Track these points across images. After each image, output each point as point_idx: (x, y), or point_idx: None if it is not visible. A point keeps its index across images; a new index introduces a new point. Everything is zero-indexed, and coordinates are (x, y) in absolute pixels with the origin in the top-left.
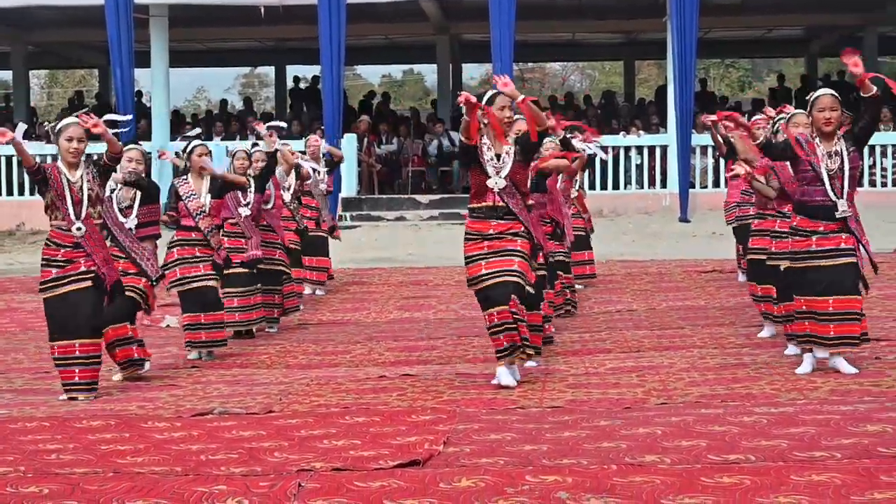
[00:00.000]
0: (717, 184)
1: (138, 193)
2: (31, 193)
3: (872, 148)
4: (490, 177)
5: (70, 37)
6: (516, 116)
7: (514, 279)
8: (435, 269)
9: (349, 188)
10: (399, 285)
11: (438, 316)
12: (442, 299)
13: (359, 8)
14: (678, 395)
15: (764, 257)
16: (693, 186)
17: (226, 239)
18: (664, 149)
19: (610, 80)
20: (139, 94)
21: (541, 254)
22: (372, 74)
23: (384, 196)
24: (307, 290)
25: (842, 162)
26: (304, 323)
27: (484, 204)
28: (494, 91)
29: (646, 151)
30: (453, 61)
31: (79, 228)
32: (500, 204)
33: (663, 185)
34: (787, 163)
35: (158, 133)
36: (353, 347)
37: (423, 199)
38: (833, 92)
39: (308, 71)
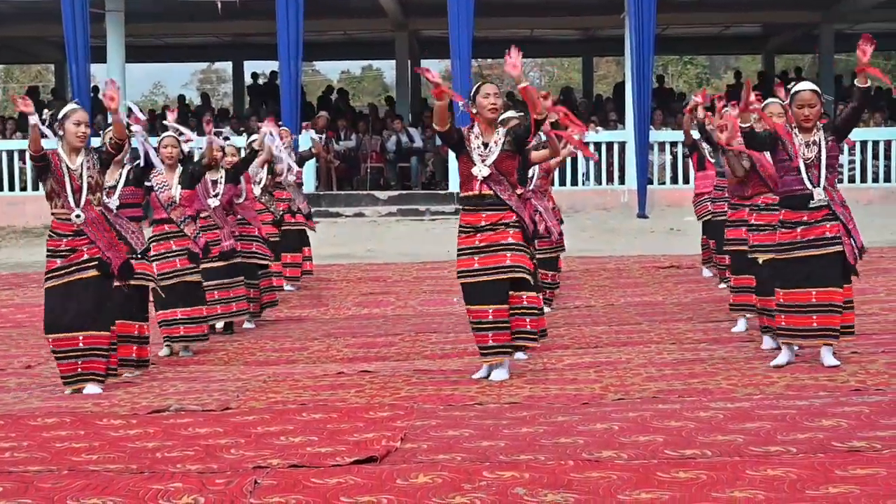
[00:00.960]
0: (674, 180)
1: (123, 174)
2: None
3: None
4: (475, 164)
5: (26, 32)
6: (510, 114)
7: (510, 276)
8: (393, 265)
9: (307, 184)
10: (357, 281)
11: (396, 312)
12: (400, 295)
13: (317, 3)
14: (635, 391)
15: (744, 248)
16: (651, 183)
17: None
18: (622, 145)
19: (568, 76)
20: (95, 89)
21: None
22: (330, 70)
23: (343, 192)
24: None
25: (819, 151)
26: (263, 319)
27: (471, 193)
28: (482, 82)
29: (604, 148)
30: (412, 57)
31: (78, 216)
32: (487, 192)
33: (621, 181)
34: (768, 154)
35: None
36: (310, 344)
37: (382, 195)
38: (813, 87)
39: (266, 66)
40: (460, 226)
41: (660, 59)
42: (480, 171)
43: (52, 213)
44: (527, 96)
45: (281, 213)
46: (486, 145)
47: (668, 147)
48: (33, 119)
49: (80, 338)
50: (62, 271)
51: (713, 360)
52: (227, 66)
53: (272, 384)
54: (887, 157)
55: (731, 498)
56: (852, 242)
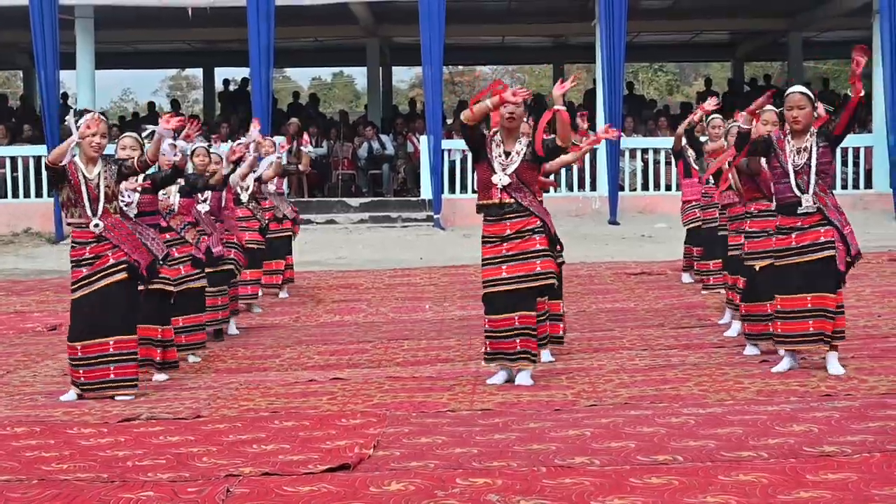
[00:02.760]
0: (645, 187)
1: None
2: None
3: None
4: (495, 172)
5: None
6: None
7: (541, 283)
8: (365, 272)
9: None
10: (329, 289)
11: (368, 319)
12: (372, 302)
13: (288, 10)
14: (607, 397)
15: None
16: (622, 189)
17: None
18: (593, 152)
19: (539, 83)
20: (65, 95)
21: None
22: (301, 77)
23: (314, 199)
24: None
25: (809, 157)
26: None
27: (490, 201)
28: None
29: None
30: (383, 64)
31: (96, 225)
32: (508, 200)
33: (593, 188)
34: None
35: None
36: (282, 351)
37: (354, 202)
38: (803, 90)
39: (237, 73)
40: (484, 237)
41: (630, 66)
42: (501, 179)
43: (69, 223)
44: (560, 120)
45: (267, 220)
46: (507, 154)
47: (639, 154)
48: (73, 138)
49: (111, 343)
50: (90, 279)
51: (685, 366)
52: (197, 73)
53: (244, 392)
54: (856, 164)
55: (703, 503)
56: (846, 249)
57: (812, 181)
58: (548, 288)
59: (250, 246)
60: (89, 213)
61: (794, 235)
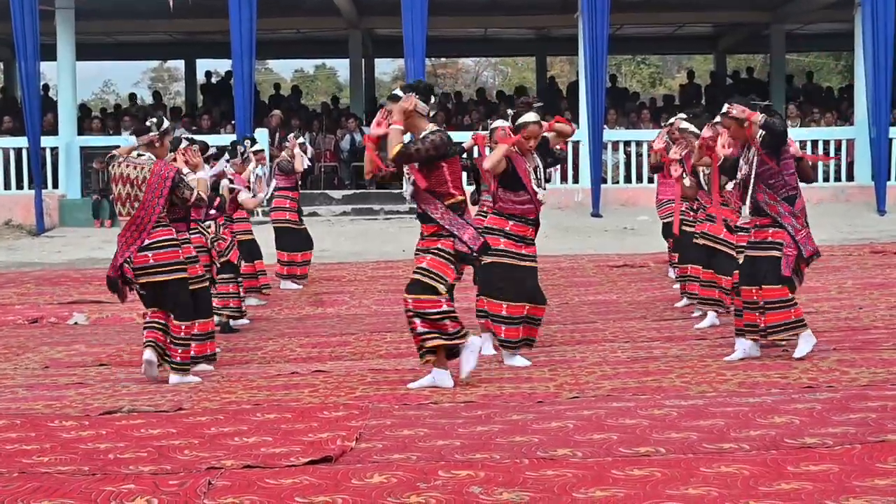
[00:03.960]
0: (627, 179)
1: None
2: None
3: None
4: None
5: None
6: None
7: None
8: (348, 264)
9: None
10: (311, 281)
11: (351, 311)
12: (354, 295)
13: (270, 1)
14: (590, 389)
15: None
16: (605, 182)
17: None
18: (576, 144)
19: (522, 75)
20: (45, 87)
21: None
22: (284, 68)
23: None
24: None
25: (748, 169)
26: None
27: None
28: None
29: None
30: (366, 56)
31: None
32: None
33: (575, 180)
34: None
35: (65, 127)
36: (264, 344)
37: (336, 194)
38: (725, 110)
39: (219, 65)
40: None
41: (613, 58)
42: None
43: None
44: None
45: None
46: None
47: (621, 146)
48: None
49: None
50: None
51: (667, 359)
52: (179, 65)
53: (226, 384)
54: (837, 156)
55: (685, 495)
56: (796, 253)
57: (749, 193)
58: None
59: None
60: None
61: (753, 231)
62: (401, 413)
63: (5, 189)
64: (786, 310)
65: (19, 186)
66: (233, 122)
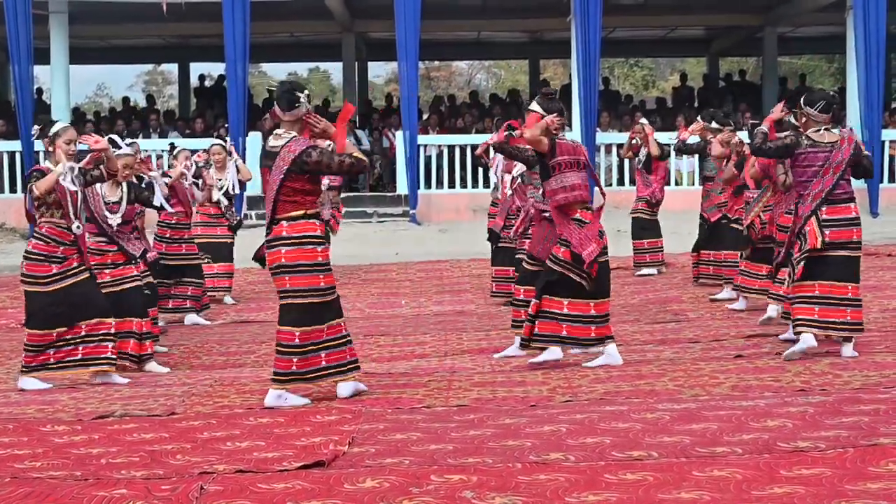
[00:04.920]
0: (620, 182)
1: (124, 191)
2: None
3: None
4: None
5: None
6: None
7: None
8: (341, 267)
9: (255, 187)
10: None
11: (346, 316)
12: (348, 298)
13: (263, 5)
14: (583, 393)
15: None
16: None
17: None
18: None
19: (515, 78)
20: (39, 91)
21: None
22: (277, 72)
23: None
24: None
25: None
26: (207, 321)
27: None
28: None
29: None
30: (359, 59)
31: (78, 227)
32: None
33: None
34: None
35: None
36: (257, 347)
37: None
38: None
39: (212, 68)
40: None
41: (606, 61)
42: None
43: (46, 222)
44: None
45: (238, 218)
46: None
47: (614, 149)
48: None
49: (84, 326)
50: (61, 275)
51: (660, 362)
52: (172, 68)
53: (218, 388)
54: None
55: (677, 499)
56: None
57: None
58: None
59: (223, 241)
60: (72, 215)
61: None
62: (393, 417)
63: None
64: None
65: (13, 190)
66: (227, 125)
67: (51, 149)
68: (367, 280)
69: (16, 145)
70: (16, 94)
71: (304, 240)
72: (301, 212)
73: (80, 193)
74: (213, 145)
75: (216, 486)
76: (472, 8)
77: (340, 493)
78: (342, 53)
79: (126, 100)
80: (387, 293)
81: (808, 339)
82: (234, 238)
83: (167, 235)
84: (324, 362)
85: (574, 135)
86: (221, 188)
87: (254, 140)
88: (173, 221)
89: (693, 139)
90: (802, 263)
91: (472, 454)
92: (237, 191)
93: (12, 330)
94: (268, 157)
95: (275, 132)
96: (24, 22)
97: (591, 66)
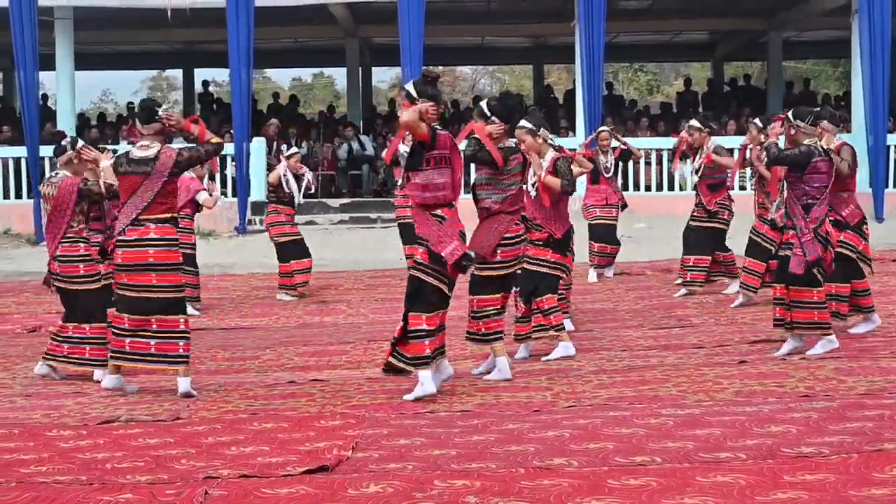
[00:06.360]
0: (624, 187)
1: None
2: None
3: None
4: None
5: None
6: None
7: None
8: (345, 272)
9: (258, 192)
10: (309, 289)
11: (348, 320)
12: (352, 303)
13: (267, 11)
14: (586, 398)
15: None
16: None
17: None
18: (572, 153)
19: (520, 83)
20: (44, 97)
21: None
22: (282, 77)
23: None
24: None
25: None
26: (217, 328)
27: None
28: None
29: None
30: (363, 64)
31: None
32: None
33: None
34: None
35: None
36: (262, 353)
37: (334, 202)
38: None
39: (216, 74)
40: None
41: (610, 66)
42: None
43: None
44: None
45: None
46: None
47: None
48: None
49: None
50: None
51: (664, 367)
52: (177, 74)
53: (223, 393)
54: None
55: None
56: (801, 254)
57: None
58: None
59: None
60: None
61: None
62: (397, 422)
63: (4, 198)
64: (809, 310)
65: (18, 196)
66: (231, 130)
67: (75, 160)
68: (372, 285)
69: (21, 151)
70: (21, 100)
71: (171, 241)
72: (169, 214)
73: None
74: (293, 153)
75: (220, 490)
76: (476, 13)
77: (344, 497)
78: (346, 59)
79: (131, 105)
80: (391, 298)
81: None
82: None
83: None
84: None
85: (578, 139)
86: (272, 190)
87: (258, 145)
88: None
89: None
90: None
91: (476, 459)
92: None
93: (18, 335)
94: (137, 163)
95: (139, 144)
96: (29, 28)
97: (595, 70)
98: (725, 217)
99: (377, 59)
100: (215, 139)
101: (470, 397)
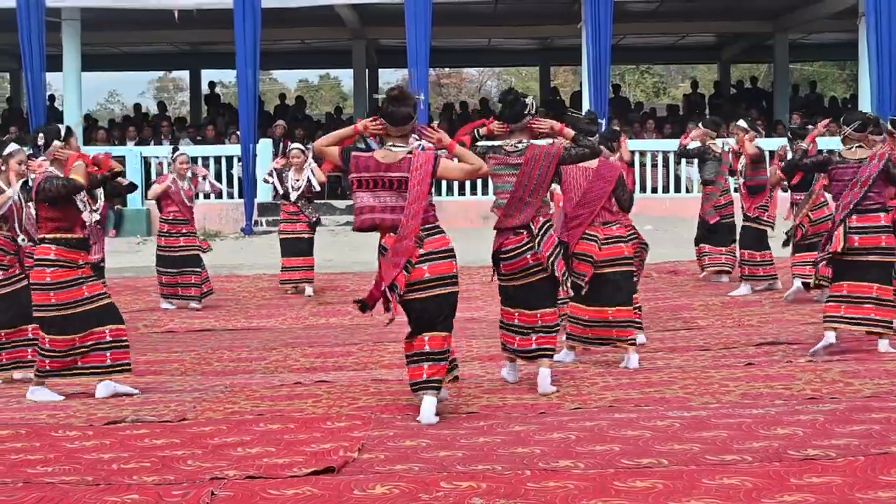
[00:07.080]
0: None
1: (101, 194)
2: None
3: None
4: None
5: None
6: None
7: None
8: (351, 274)
9: (265, 194)
10: (315, 291)
11: (354, 321)
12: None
13: (274, 12)
14: (592, 400)
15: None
16: None
17: None
18: None
19: (526, 85)
20: (51, 98)
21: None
22: (288, 79)
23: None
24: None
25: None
26: (223, 329)
27: None
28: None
29: None
30: (370, 66)
31: (23, 239)
32: None
33: None
34: None
35: None
36: (268, 354)
37: (340, 204)
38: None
39: (223, 75)
40: None
41: (616, 68)
42: None
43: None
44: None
45: (317, 216)
46: None
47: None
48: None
49: (30, 329)
50: (8, 281)
51: (670, 369)
52: (184, 75)
53: (229, 394)
54: None
55: None
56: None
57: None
58: None
59: (301, 236)
60: (17, 229)
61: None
62: (403, 424)
63: None
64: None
65: None
66: (237, 132)
67: (3, 168)
68: None
69: (28, 152)
70: (28, 101)
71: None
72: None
73: (24, 209)
74: (292, 149)
75: (227, 491)
76: (482, 15)
77: (350, 499)
78: (353, 60)
79: (138, 107)
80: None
81: (829, 337)
82: (312, 234)
83: (165, 230)
84: None
85: None
86: (298, 188)
87: (264, 146)
88: (170, 217)
89: (693, 144)
90: (824, 263)
91: (482, 461)
92: (316, 190)
93: None
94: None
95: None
96: (36, 29)
97: (602, 72)
98: (765, 218)
99: (384, 60)
100: (74, 176)
101: (476, 399)
